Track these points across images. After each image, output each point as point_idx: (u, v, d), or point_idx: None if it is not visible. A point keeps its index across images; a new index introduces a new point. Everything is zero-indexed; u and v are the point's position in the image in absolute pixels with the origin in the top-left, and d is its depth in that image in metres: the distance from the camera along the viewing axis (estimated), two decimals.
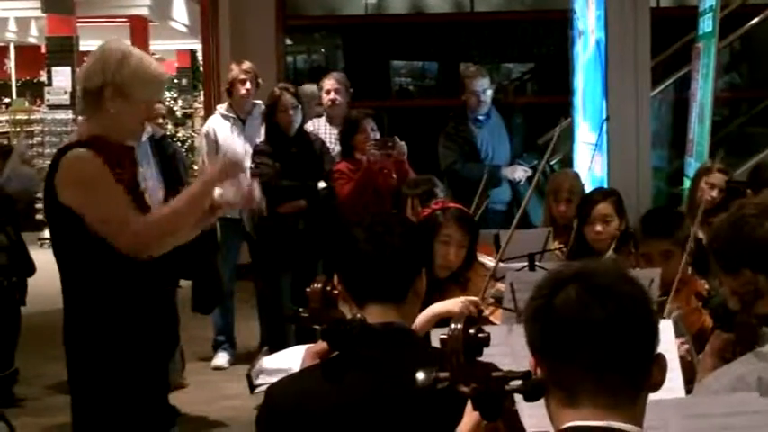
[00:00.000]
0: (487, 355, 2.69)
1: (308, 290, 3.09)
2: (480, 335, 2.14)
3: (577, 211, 6.30)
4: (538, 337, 2.21)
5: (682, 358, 4.06)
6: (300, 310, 3.04)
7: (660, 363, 2.21)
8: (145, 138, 7.09)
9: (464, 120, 8.90)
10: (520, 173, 8.69)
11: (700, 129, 9.00)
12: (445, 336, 2.14)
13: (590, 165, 8.77)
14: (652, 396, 2.36)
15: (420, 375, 2.11)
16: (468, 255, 5.26)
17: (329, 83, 8.98)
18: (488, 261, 5.49)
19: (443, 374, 2.11)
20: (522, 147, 8.95)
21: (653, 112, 9.74)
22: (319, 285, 3.08)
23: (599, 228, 6.01)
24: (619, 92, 8.26)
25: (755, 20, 11.00)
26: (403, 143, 7.94)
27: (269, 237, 8.08)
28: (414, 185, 6.79)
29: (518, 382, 2.08)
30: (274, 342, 7.31)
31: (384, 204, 7.32)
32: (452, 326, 2.14)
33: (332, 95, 8.90)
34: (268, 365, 4.31)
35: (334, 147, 8.42)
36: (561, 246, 6.27)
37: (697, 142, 9.07)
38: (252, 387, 4.22)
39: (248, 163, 8.18)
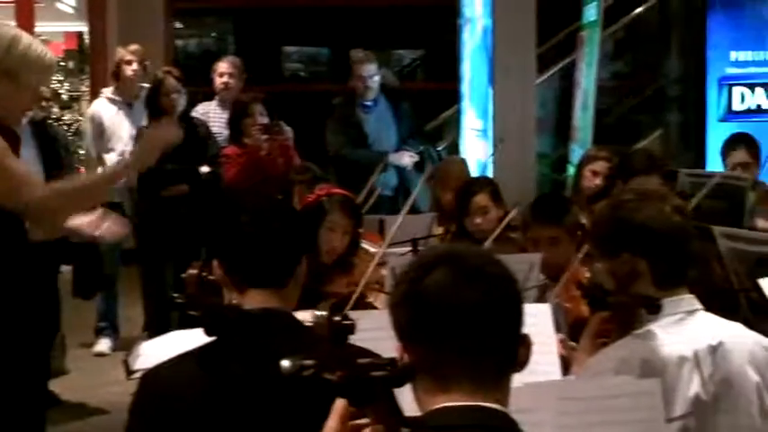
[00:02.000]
0: (369, 340, 2.68)
1: (183, 276, 3.06)
2: (346, 322, 2.13)
3: (456, 202, 6.34)
4: (406, 321, 2.20)
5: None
6: (176, 296, 3.00)
7: (526, 342, 2.23)
8: (24, 121, 6.97)
9: (352, 105, 8.90)
10: (407, 158, 8.71)
11: (583, 116, 9.10)
12: (311, 323, 2.13)
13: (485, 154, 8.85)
14: (528, 378, 2.38)
15: (285, 363, 2.10)
16: (352, 241, 5.27)
17: (223, 66, 8.96)
18: (371, 247, 5.51)
19: (309, 362, 2.09)
20: (409, 132, 8.97)
21: (538, 98, 9.83)
22: (195, 271, 3.05)
23: (478, 220, 6.06)
24: (504, 79, 8.32)
25: (640, 9, 11.16)
26: (289, 128, 7.94)
27: (151, 221, 8.01)
28: (301, 171, 6.81)
29: (384, 369, 2.07)
30: (157, 328, 7.25)
31: (272, 189, 7.30)
32: (318, 313, 2.13)
33: (225, 79, 8.88)
34: (146, 351, 4.26)
35: (224, 131, 8.37)
36: (445, 232, 6.31)
37: (581, 129, 9.17)
38: (129, 373, 4.16)
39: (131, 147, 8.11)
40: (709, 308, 3.50)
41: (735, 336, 3.31)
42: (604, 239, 3.41)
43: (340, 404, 2.18)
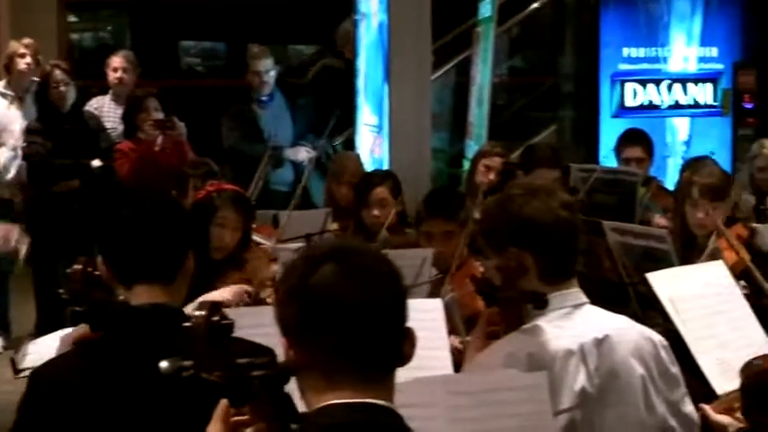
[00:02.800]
0: (262, 336, 2.67)
1: (68, 271, 3.03)
2: (224, 322, 2.12)
3: (355, 194, 6.35)
4: (293, 318, 2.18)
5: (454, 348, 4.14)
6: (61, 291, 2.97)
7: (410, 337, 2.24)
8: None
9: (248, 100, 8.90)
10: (303, 154, 8.71)
11: (478, 112, 9.16)
12: (189, 323, 2.11)
13: (371, 147, 8.87)
14: (420, 374, 2.39)
15: (164, 363, 2.08)
16: (243, 236, 5.25)
17: (117, 61, 8.91)
18: (266, 242, 5.49)
19: (187, 362, 2.07)
20: (305, 128, 8.98)
21: (435, 94, 9.87)
22: (79, 267, 3.01)
23: (376, 211, 6.07)
24: (400, 74, 8.35)
25: (534, 5, 11.25)
26: (182, 124, 7.91)
27: (42, 218, 7.92)
28: (195, 166, 6.77)
29: (265, 368, 2.06)
30: (49, 326, 7.14)
31: (166, 185, 7.25)
32: (196, 313, 2.11)
33: (119, 74, 8.83)
34: (33, 349, 4.21)
35: (118, 126, 8.31)
36: (340, 228, 6.30)
37: (476, 125, 9.23)
38: (16, 371, 4.11)
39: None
40: (599, 301, 3.54)
41: (620, 329, 3.34)
42: (492, 234, 3.42)
43: (222, 405, 2.17)
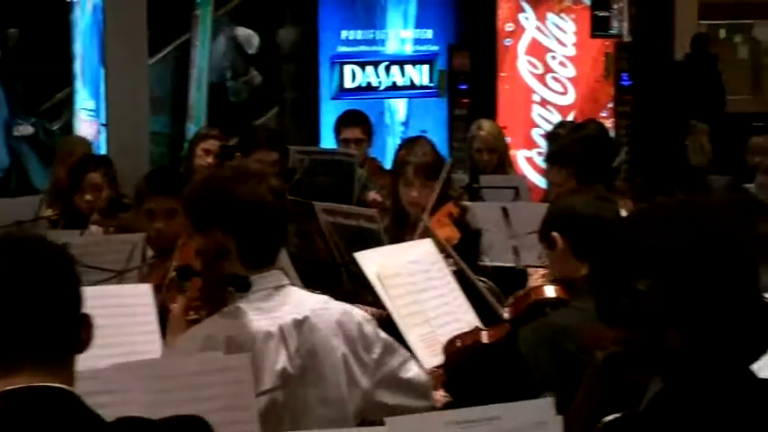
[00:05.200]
0: None
1: None
2: None
3: (68, 178, 6.26)
4: None
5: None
6: None
7: (86, 323, 2.25)
8: None
9: None
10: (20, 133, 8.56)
11: (198, 95, 9.15)
12: None
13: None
14: (130, 359, 2.37)
15: None
16: None
17: None
18: None
19: None
20: (21, 111, 8.81)
21: (155, 78, 9.77)
22: None
23: (89, 197, 6.01)
24: (116, 58, 8.25)
25: None
26: None
27: None
28: None
29: None
30: None
31: None
32: None
33: None
34: None
35: None
36: (55, 213, 6.20)
37: (196, 108, 9.22)
38: None
39: None
40: (313, 282, 3.59)
41: (320, 308, 3.39)
42: (198, 213, 3.40)
43: None
